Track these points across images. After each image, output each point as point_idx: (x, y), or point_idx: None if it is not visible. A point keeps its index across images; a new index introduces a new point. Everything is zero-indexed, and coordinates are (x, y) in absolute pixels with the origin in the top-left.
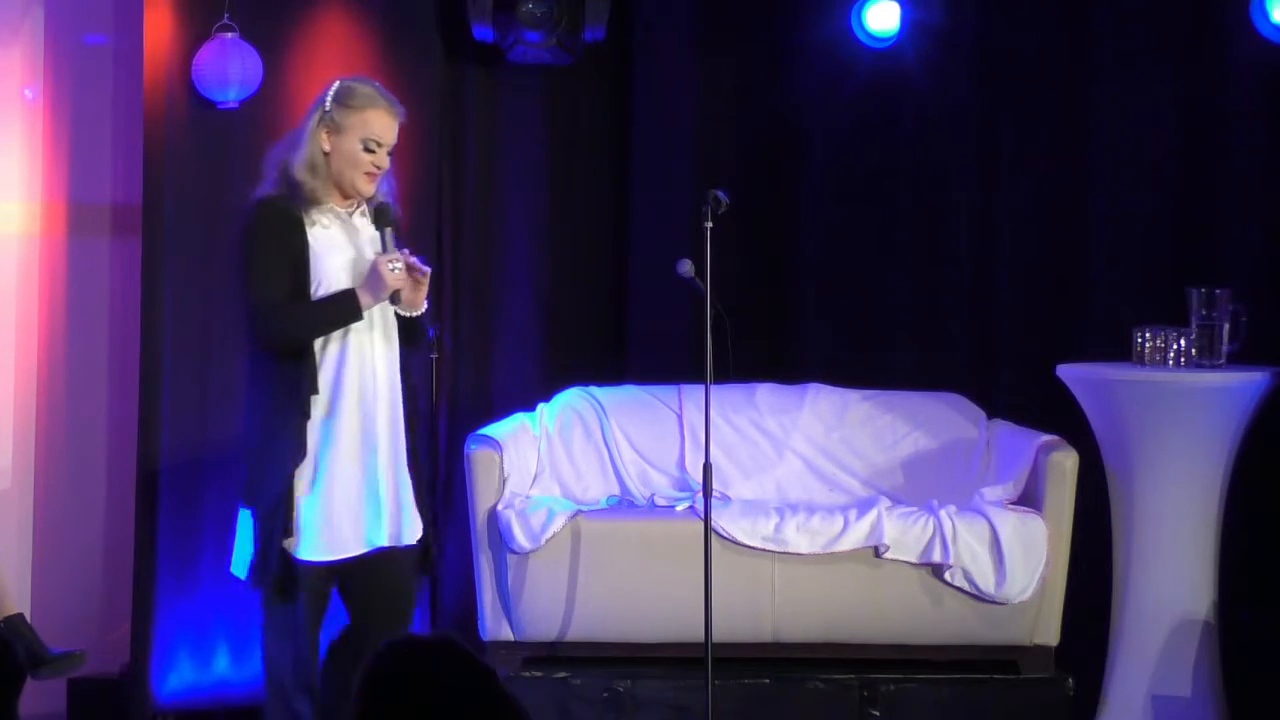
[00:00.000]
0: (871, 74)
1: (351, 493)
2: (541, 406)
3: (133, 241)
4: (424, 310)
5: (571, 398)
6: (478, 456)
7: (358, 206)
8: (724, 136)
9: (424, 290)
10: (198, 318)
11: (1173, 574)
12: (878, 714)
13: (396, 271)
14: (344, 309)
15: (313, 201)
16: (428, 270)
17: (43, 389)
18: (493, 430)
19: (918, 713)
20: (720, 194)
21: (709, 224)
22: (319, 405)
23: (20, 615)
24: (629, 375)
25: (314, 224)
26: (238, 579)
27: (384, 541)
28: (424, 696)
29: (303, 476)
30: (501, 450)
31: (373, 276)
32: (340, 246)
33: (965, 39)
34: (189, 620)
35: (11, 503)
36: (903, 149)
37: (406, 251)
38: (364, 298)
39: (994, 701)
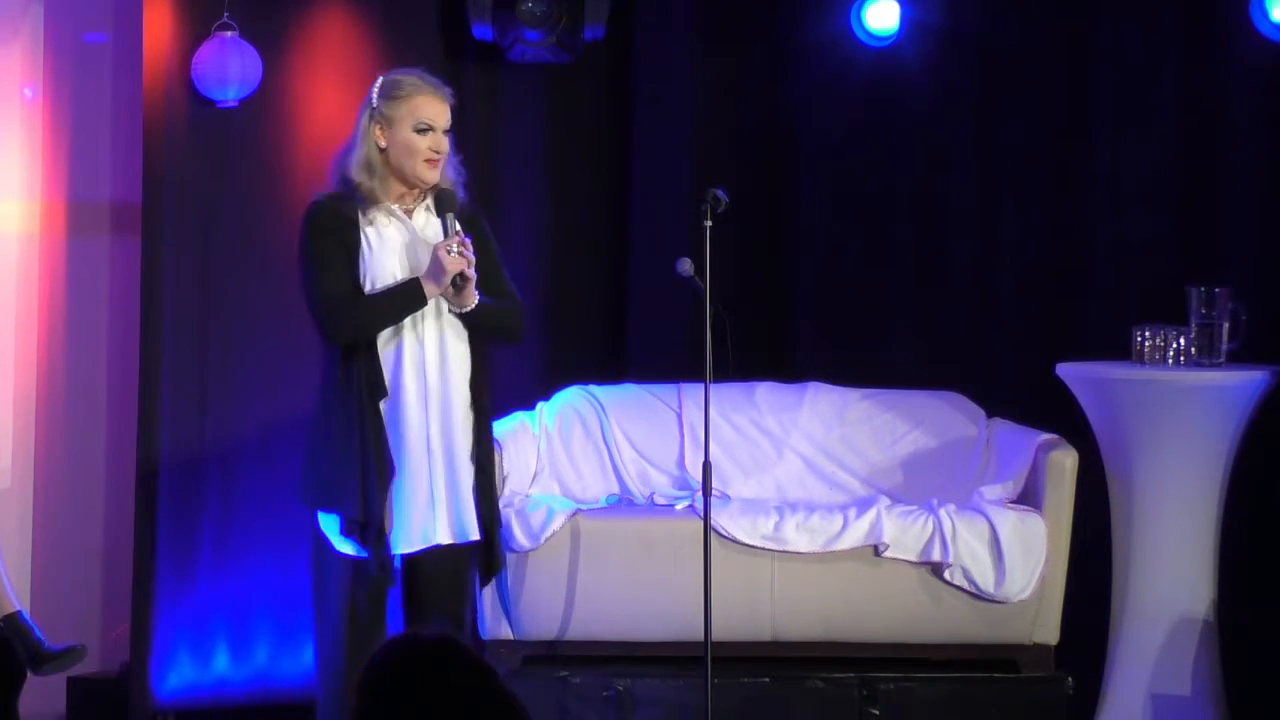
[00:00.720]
0: (871, 73)
1: (408, 491)
2: (541, 405)
3: (132, 240)
4: (474, 305)
5: (571, 396)
6: None
7: (421, 201)
8: (724, 135)
9: (471, 285)
10: (198, 318)
11: (1173, 573)
12: (877, 713)
13: (454, 255)
14: (408, 296)
15: (371, 201)
16: (473, 274)
17: (43, 389)
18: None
19: (917, 712)
20: (720, 193)
21: (708, 223)
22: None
23: (20, 613)
24: (629, 374)
25: (371, 223)
26: (237, 579)
27: (441, 539)
28: (425, 696)
29: None
30: (501, 449)
31: (433, 263)
32: (395, 246)
33: (965, 37)
34: (188, 620)
35: (11, 502)
36: (902, 147)
37: (465, 238)
38: (427, 285)
39: (993, 700)
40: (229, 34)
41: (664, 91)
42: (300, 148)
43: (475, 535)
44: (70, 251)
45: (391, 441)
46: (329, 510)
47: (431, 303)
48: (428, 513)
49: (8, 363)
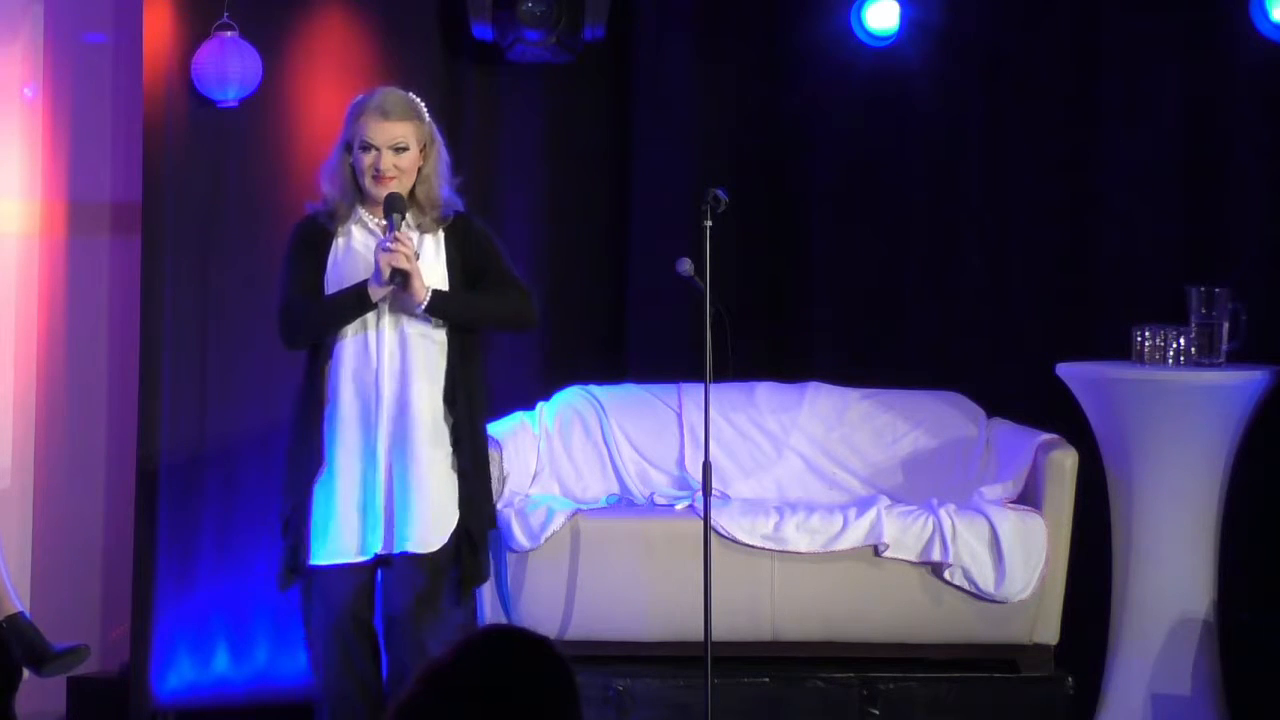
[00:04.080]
0: (871, 73)
1: (347, 499)
2: (541, 405)
3: (132, 240)
4: (425, 302)
5: (571, 396)
6: None
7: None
8: (724, 135)
9: (415, 281)
10: (198, 318)
11: (1172, 573)
12: (877, 713)
13: (387, 252)
14: (353, 298)
15: (339, 218)
16: (413, 268)
17: (43, 389)
18: (492, 429)
19: (917, 711)
20: (720, 193)
21: (709, 223)
22: (328, 414)
23: (21, 613)
24: (629, 374)
25: (343, 235)
26: (237, 579)
27: (379, 549)
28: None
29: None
30: (501, 449)
31: (375, 262)
32: (360, 255)
33: (965, 37)
34: (188, 619)
35: (11, 502)
36: (903, 147)
37: (403, 236)
38: (372, 289)
39: (993, 700)
40: (229, 34)
41: (664, 91)
42: (300, 148)
43: (425, 547)
44: (70, 251)
45: (337, 450)
46: (298, 523)
47: (393, 314)
48: (365, 524)
49: (8, 363)
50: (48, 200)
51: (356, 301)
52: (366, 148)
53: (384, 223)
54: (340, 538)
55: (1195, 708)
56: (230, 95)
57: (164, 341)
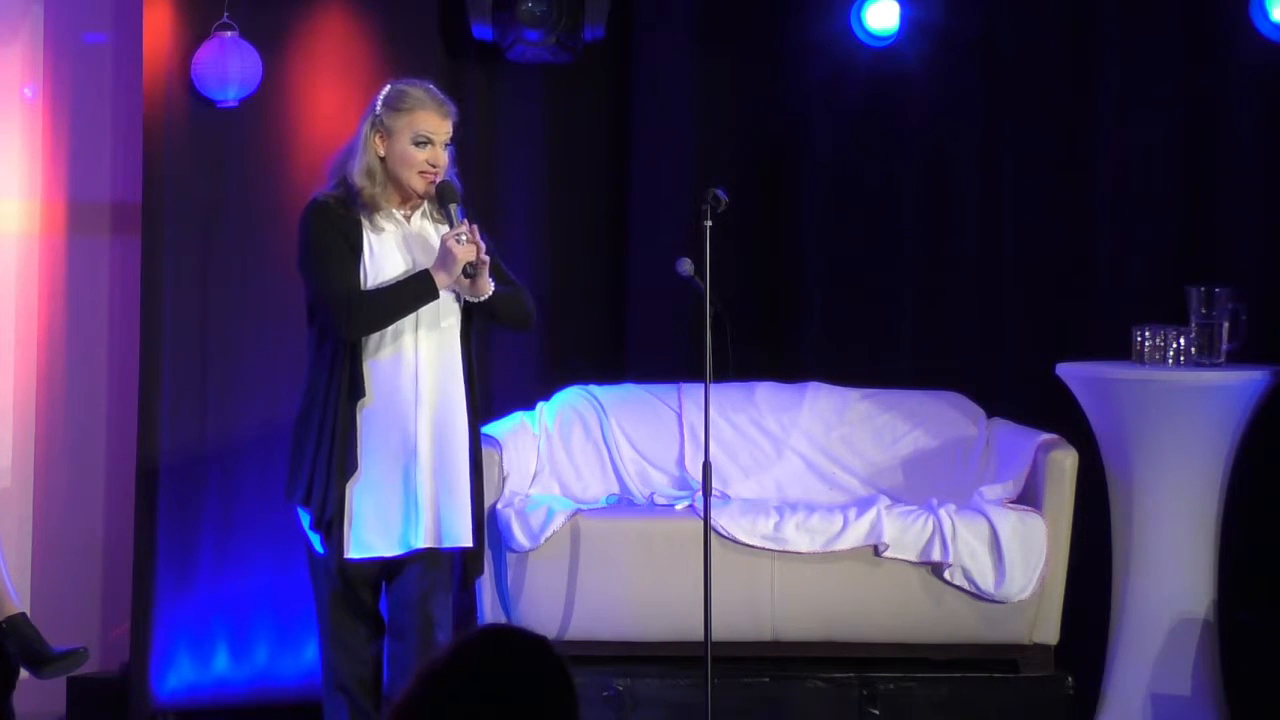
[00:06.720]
0: (871, 73)
1: (386, 495)
2: (541, 405)
3: (132, 240)
4: (491, 293)
5: (571, 396)
6: None
7: (417, 209)
8: (724, 135)
9: (485, 272)
10: (197, 317)
11: (1173, 573)
12: (877, 713)
13: (464, 243)
14: (420, 287)
15: (373, 207)
16: (485, 259)
17: (42, 388)
18: (492, 429)
19: (917, 711)
20: (720, 193)
21: (708, 223)
22: (361, 407)
23: (22, 614)
24: (629, 374)
25: (373, 227)
26: (237, 579)
27: (422, 543)
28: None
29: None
30: (500, 449)
31: (442, 252)
32: (395, 245)
33: (965, 37)
34: (188, 619)
35: (11, 502)
36: (903, 147)
37: (472, 226)
38: (438, 276)
39: (993, 700)
40: (229, 34)
41: (664, 91)
42: (300, 148)
43: (467, 541)
44: (70, 251)
45: (371, 444)
46: (301, 507)
47: (430, 306)
48: (407, 517)
49: (8, 363)
50: (48, 200)
51: (423, 292)
52: (423, 142)
53: (405, 212)
54: (379, 533)
55: (1195, 708)
56: (230, 95)
57: (164, 341)
